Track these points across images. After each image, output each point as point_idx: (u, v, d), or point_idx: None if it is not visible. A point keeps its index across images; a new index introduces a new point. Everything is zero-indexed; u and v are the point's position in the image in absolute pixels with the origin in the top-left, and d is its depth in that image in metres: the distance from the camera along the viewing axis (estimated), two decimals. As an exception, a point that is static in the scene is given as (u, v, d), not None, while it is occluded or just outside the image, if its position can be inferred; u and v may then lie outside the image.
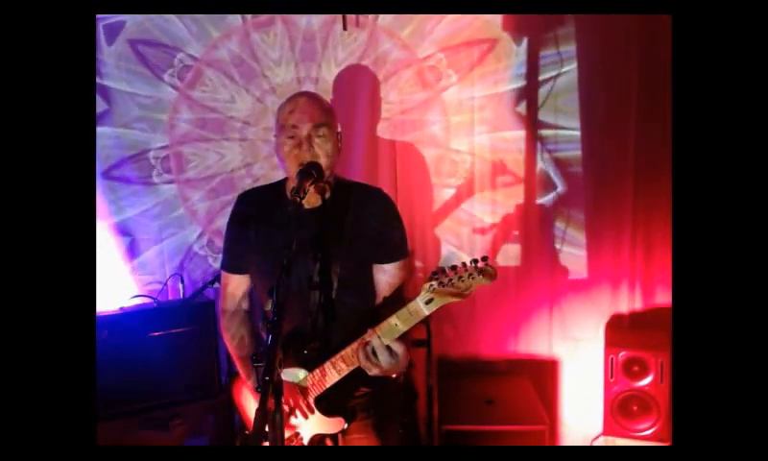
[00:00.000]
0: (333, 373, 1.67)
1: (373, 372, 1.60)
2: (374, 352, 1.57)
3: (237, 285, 1.92)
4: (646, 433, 2.67)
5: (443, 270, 1.51)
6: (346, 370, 1.65)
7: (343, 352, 1.64)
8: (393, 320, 1.56)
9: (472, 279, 1.50)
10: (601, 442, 2.79)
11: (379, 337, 1.57)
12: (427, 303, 1.52)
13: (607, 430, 2.75)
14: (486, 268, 1.49)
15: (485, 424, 2.61)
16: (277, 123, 1.75)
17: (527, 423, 2.60)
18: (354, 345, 1.62)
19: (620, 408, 2.71)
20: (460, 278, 1.49)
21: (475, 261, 1.50)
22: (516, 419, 2.63)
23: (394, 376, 1.67)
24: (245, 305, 1.95)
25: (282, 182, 1.85)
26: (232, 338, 1.91)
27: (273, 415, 1.33)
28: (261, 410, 1.30)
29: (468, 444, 2.57)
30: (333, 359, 1.66)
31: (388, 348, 1.57)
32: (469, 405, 2.74)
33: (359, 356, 1.60)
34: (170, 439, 2.47)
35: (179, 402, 2.63)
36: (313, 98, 1.75)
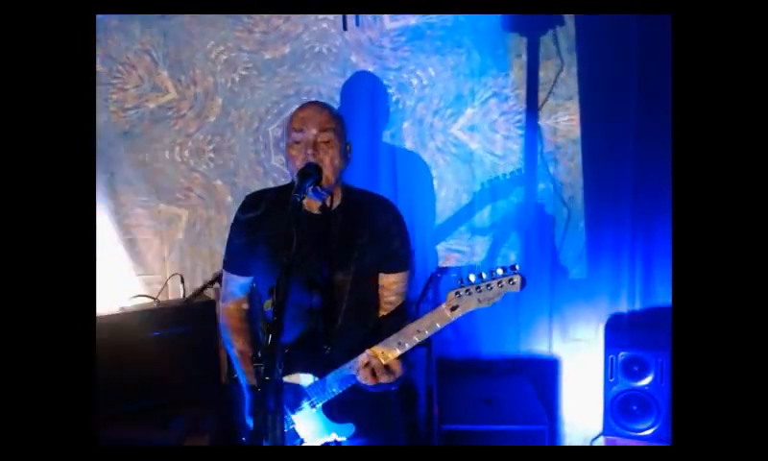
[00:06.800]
0: (335, 387, 1.71)
1: (373, 386, 1.64)
2: (374, 373, 1.61)
3: (239, 286, 1.93)
4: (646, 433, 2.67)
5: (468, 277, 1.54)
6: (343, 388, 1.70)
7: (342, 368, 1.69)
8: (400, 335, 1.60)
9: (501, 287, 1.54)
10: (601, 442, 2.80)
11: (377, 357, 1.60)
12: (453, 309, 1.56)
13: (607, 430, 2.75)
14: (515, 278, 1.51)
15: (485, 423, 2.61)
16: (285, 129, 1.79)
17: (527, 422, 2.60)
18: (355, 365, 1.65)
19: (620, 408, 2.71)
20: (488, 286, 1.53)
21: (504, 269, 1.52)
22: (515, 419, 2.63)
23: (393, 388, 1.70)
24: (245, 306, 1.97)
25: (289, 186, 1.86)
26: (237, 337, 1.92)
27: (273, 415, 1.34)
28: (261, 410, 1.30)
29: (468, 444, 2.57)
30: (335, 372, 1.70)
31: (386, 367, 1.61)
32: (469, 405, 2.74)
33: (360, 376, 1.63)
34: (170, 439, 2.46)
35: (179, 402, 2.63)
36: (321, 106, 1.78)
